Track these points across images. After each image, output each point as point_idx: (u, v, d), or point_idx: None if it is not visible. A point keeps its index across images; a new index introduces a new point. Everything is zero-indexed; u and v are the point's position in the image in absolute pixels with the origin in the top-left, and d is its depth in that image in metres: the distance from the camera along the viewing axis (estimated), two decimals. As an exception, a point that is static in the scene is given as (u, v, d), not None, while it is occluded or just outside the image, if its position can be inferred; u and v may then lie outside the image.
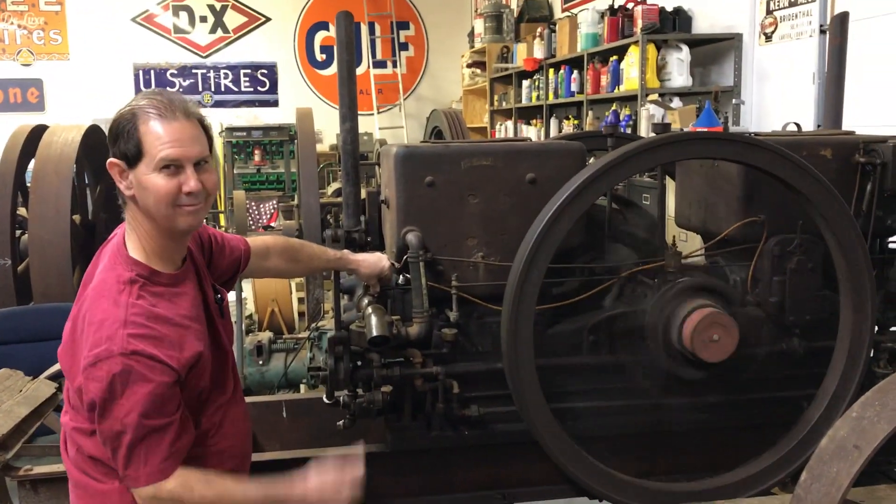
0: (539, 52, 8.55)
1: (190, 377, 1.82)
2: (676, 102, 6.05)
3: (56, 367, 2.75)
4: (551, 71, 8.31)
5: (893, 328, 2.70)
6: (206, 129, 1.88)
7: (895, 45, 4.33)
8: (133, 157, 1.78)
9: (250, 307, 5.50)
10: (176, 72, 12.28)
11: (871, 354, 2.50)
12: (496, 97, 10.24)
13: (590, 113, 7.45)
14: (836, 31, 3.12)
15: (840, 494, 1.86)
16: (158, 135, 1.77)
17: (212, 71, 12.42)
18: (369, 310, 2.35)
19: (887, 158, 2.52)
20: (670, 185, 3.12)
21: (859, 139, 2.63)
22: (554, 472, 2.48)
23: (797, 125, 3.08)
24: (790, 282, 2.52)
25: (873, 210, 2.57)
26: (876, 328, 2.47)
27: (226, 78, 12.45)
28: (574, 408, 2.51)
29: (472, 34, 11.24)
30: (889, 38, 4.36)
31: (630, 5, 6.66)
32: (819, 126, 4.74)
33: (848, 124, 3.14)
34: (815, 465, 1.97)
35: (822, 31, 4.89)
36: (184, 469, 1.78)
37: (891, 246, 2.70)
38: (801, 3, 5.21)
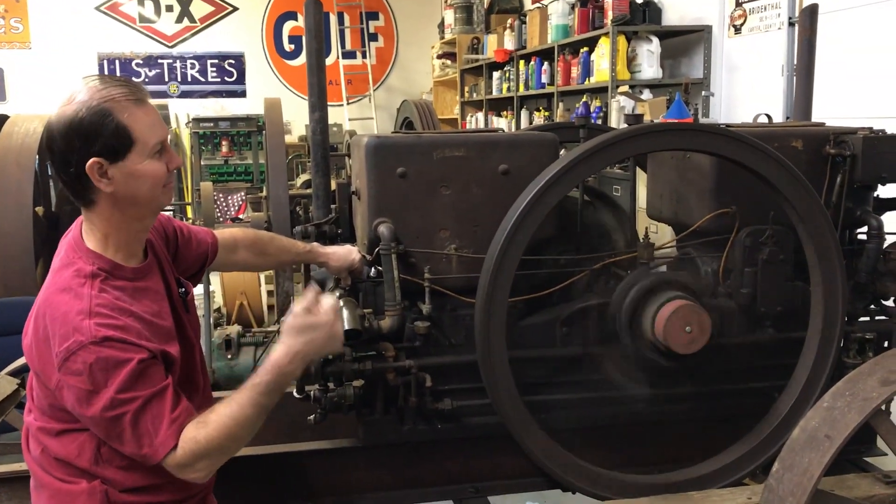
0: (509, 44, 8.53)
1: (166, 369, 1.78)
2: (647, 94, 6.06)
3: (19, 362, 2.69)
4: (522, 62, 8.30)
5: (863, 318, 2.72)
6: None
7: (863, 37, 4.37)
8: (122, 150, 1.73)
9: (218, 300, 5.44)
10: (141, 62, 12.08)
11: (842, 344, 2.51)
12: (467, 88, 10.21)
13: (560, 104, 7.45)
14: (806, 23, 3.13)
15: (812, 484, 1.87)
16: (146, 120, 1.75)
17: (178, 61, 12.24)
18: (340, 303, 2.32)
19: (857, 150, 2.54)
20: (641, 177, 3.12)
21: (829, 131, 2.64)
22: (527, 465, 2.47)
23: (768, 116, 3.09)
24: (761, 273, 2.53)
25: (843, 201, 2.58)
26: (846, 318, 2.48)
27: (192, 68, 12.28)
28: (547, 400, 2.50)
29: (442, 25, 11.19)
30: (857, 30, 4.40)
31: (600, -3, 6.67)
32: (788, 118, 4.78)
33: (817, 116, 3.16)
34: (787, 455, 1.97)
35: (791, 24, 4.92)
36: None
37: (860, 237, 2.71)
38: (770, -4, 5.26)
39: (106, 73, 11.84)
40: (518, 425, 2.32)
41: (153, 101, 1.85)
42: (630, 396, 2.55)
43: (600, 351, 2.51)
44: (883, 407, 1.94)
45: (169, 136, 1.85)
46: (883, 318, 2.72)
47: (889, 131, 2.61)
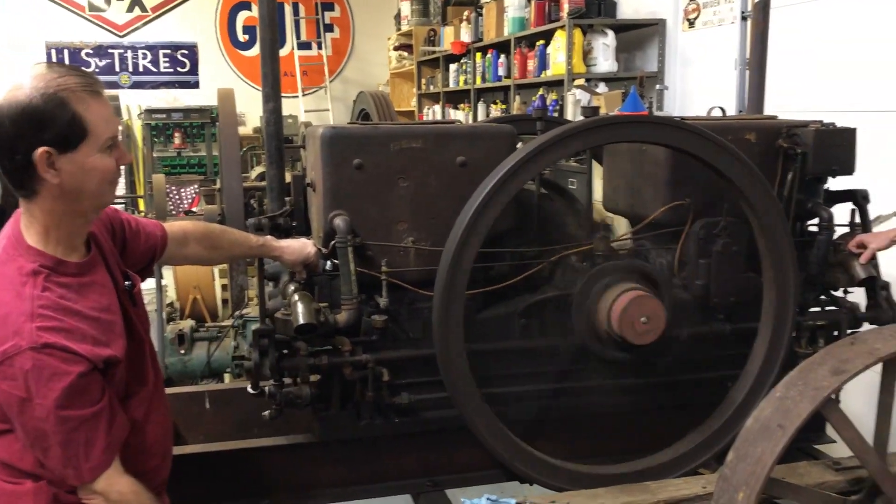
0: (466, 36, 8.51)
1: (109, 373, 1.74)
2: (602, 87, 6.09)
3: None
4: (479, 55, 8.29)
5: (814, 308, 2.77)
6: None
7: (815, 31, 4.45)
8: (74, 141, 1.67)
9: (171, 295, 5.34)
10: (91, 51, 11.79)
11: (794, 335, 2.55)
12: (424, 80, 10.17)
13: (517, 97, 7.46)
14: (758, 17, 3.18)
15: (765, 473, 1.89)
16: (102, 113, 1.71)
17: (129, 51, 11.97)
18: (295, 297, 2.29)
19: (808, 143, 2.58)
20: (597, 170, 3.13)
21: (782, 124, 2.68)
22: (485, 458, 2.47)
23: (722, 109, 3.13)
24: (715, 264, 2.56)
25: (795, 193, 2.62)
26: (797, 309, 2.52)
27: (144, 58, 12.02)
28: (506, 392, 2.50)
29: (398, 17, 11.12)
30: (808, 24, 4.47)
31: (556, -10, 6.68)
32: (741, 111, 4.85)
33: (769, 109, 3.21)
34: (741, 444, 2.00)
35: (744, 18, 4.98)
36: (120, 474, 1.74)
37: (811, 229, 2.76)
38: (723, -9, 5.32)
39: (55, 62, 11.55)
40: (476, 418, 2.31)
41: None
42: (587, 388, 2.57)
43: (558, 342, 2.51)
44: (833, 396, 1.98)
45: (120, 129, 1.79)
46: (833, 308, 2.77)
47: (839, 125, 2.65)
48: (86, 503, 1.75)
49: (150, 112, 10.21)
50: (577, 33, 6.16)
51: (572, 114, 5.95)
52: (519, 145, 2.56)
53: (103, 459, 1.70)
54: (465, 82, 8.71)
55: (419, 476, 2.57)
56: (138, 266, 2.07)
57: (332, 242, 2.33)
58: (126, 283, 1.93)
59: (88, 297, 1.74)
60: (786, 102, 4.20)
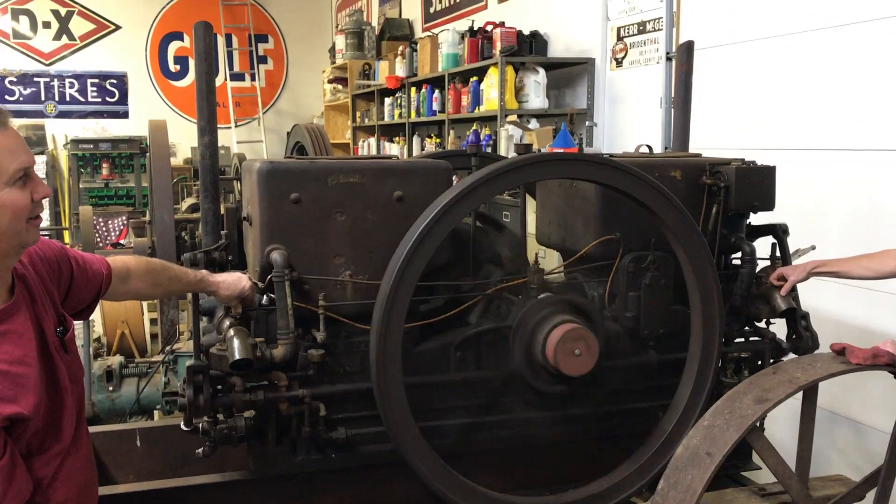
0: (401, 71, 8.59)
1: (15, 430, 1.64)
2: (534, 123, 6.22)
3: None
4: (413, 89, 8.37)
5: (738, 339, 2.87)
6: None
7: (736, 72, 4.64)
8: None
9: (98, 330, 5.21)
10: (15, 79, 11.49)
11: (720, 365, 2.64)
12: (358, 113, 10.20)
13: (451, 132, 7.55)
14: (683, 58, 3.30)
15: (694, 500, 1.95)
16: (5, 145, 1.62)
17: (56, 79, 11.71)
18: (231, 332, 2.26)
19: (731, 180, 2.69)
20: (531, 204, 3.20)
21: (706, 161, 2.79)
22: (421, 492, 2.47)
23: (649, 147, 3.24)
24: (644, 297, 2.64)
25: (719, 228, 2.73)
26: (723, 340, 2.61)
27: (71, 87, 11.78)
28: (442, 426, 2.51)
29: (332, 50, 11.16)
30: (732, 66, 4.66)
31: (489, 28, 6.81)
32: (667, 148, 5.01)
33: (694, 147, 3.33)
34: (671, 473, 2.05)
35: (669, 59, 5.17)
36: None
37: (734, 262, 2.86)
38: (649, 31, 5.50)
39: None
40: (413, 452, 2.32)
41: (27, 122, 1.74)
42: (523, 419, 2.60)
43: (493, 375, 2.54)
44: (758, 424, 2.05)
45: (45, 159, 1.70)
46: (756, 338, 2.87)
47: (760, 163, 2.78)
48: None
49: (76, 142, 9.98)
50: (510, 70, 6.29)
51: (505, 149, 6.05)
52: (455, 180, 2.61)
53: None
54: (400, 116, 8.78)
55: (356, 511, 2.56)
56: (82, 305, 2.00)
57: (269, 276, 2.32)
58: (58, 328, 1.84)
59: (1, 347, 1.65)
60: (710, 140, 4.38)
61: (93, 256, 2.07)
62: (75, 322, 2.02)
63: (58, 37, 11.72)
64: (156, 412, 4.21)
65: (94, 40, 11.88)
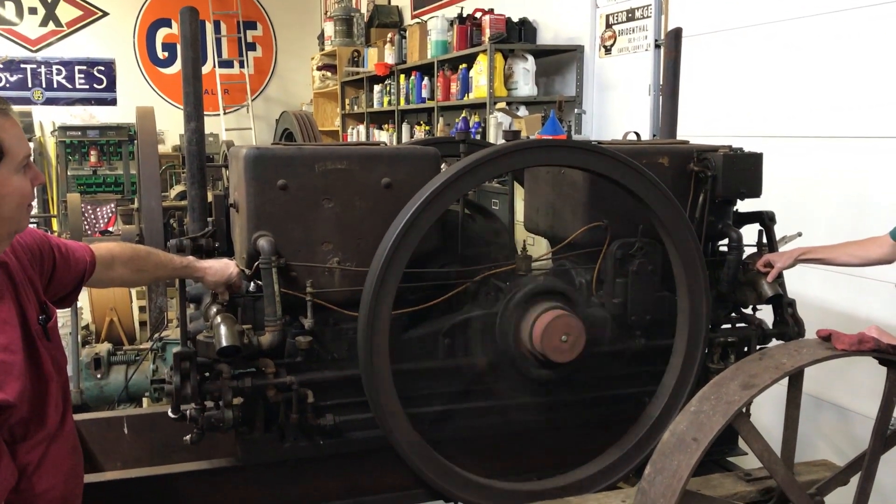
0: (390, 58, 8.56)
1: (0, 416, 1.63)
2: (523, 111, 6.21)
3: None
4: (402, 77, 8.35)
5: (725, 325, 2.88)
6: None
7: (725, 59, 4.64)
8: None
9: (86, 317, 5.18)
10: (2, 66, 11.39)
11: (706, 351, 2.65)
12: (347, 101, 10.17)
13: (441, 119, 7.53)
14: (671, 45, 3.30)
15: (680, 486, 1.96)
16: (14, 132, 1.64)
17: (43, 66, 11.61)
18: (218, 319, 2.26)
19: (718, 167, 2.69)
20: (519, 191, 3.20)
21: (693, 148, 2.79)
22: (409, 478, 2.48)
23: (637, 134, 3.24)
24: (632, 283, 2.64)
25: (706, 215, 2.73)
26: (710, 326, 2.62)
27: (59, 74, 11.68)
28: (431, 412, 2.52)
29: (321, 37, 11.10)
30: (719, 53, 4.67)
31: (478, 14, 6.79)
32: (655, 135, 5.01)
33: (682, 134, 3.33)
34: (658, 458, 2.06)
35: (657, 46, 5.16)
36: None
37: (721, 249, 2.87)
38: (638, 19, 5.50)
39: (-39, 77, 11.12)
40: (400, 438, 2.32)
41: (16, 108, 1.74)
42: (510, 405, 2.60)
43: (482, 361, 2.55)
44: (744, 409, 2.06)
45: (32, 147, 1.71)
46: (743, 325, 2.89)
47: (747, 149, 2.78)
48: None
49: (64, 129, 9.90)
50: (499, 58, 6.27)
51: (494, 136, 6.04)
52: (443, 167, 2.60)
53: None
54: (389, 103, 8.75)
55: (344, 498, 2.56)
56: (64, 293, 1.98)
57: (256, 263, 2.31)
58: (41, 316, 1.82)
59: None
60: (697, 127, 4.38)
61: (76, 243, 2.05)
62: (61, 310, 2.01)
63: (44, 23, 11.61)
64: (144, 399, 4.21)
65: (81, 27, 11.78)
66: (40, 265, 1.89)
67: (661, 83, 3.48)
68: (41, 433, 1.77)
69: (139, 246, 2.29)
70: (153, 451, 2.83)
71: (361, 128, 9.73)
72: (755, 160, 2.75)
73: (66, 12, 11.67)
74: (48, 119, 11.02)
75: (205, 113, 2.61)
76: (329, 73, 10.60)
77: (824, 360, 2.11)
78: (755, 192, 2.77)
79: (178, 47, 2.51)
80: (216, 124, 11.37)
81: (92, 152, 9.97)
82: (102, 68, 11.86)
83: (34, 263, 1.86)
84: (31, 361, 1.74)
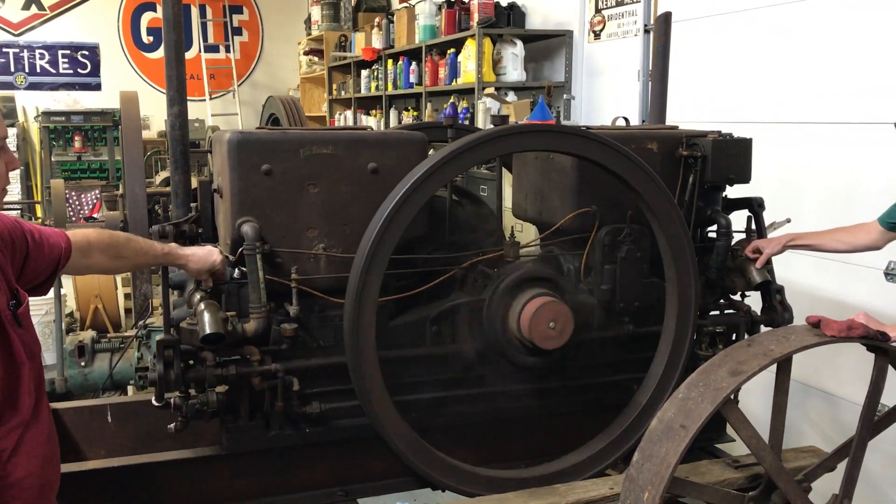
0: (377, 43, 8.49)
1: None
2: (511, 96, 6.18)
3: None
4: (390, 62, 8.29)
5: (713, 312, 2.87)
6: None
7: (714, 45, 4.62)
8: None
9: (71, 304, 5.14)
10: (-16, 50, 11.24)
11: (695, 337, 2.64)
12: (335, 86, 10.09)
13: (429, 104, 7.49)
14: (660, 30, 3.27)
15: (669, 472, 1.95)
16: None
17: (25, 50, 11.44)
18: (201, 306, 2.23)
19: (707, 152, 2.68)
20: (507, 177, 3.17)
21: (682, 134, 2.77)
22: (396, 465, 2.47)
23: (626, 119, 3.22)
24: (620, 270, 2.63)
25: (695, 201, 2.72)
26: (698, 312, 2.61)
27: (42, 58, 11.51)
28: (417, 399, 2.50)
29: (308, 21, 11.01)
30: (708, 38, 4.64)
31: (466, -1, 6.75)
32: (644, 121, 4.99)
33: (671, 119, 3.31)
34: (646, 445, 2.06)
35: (647, 31, 5.14)
36: None
37: (710, 235, 2.86)
38: (627, 3, 5.46)
39: (-58, 61, 10.97)
40: (387, 426, 2.31)
41: (-2, 93, 1.70)
42: (498, 393, 2.59)
43: (469, 349, 2.53)
44: (732, 396, 2.05)
45: (15, 132, 1.67)
46: (731, 311, 2.88)
47: (736, 135, 2.77)
48: None
49: (48, 114, 9.79)
50: (487, 42, 6.23)
51: (483, 122, 6.01)
52: (430, 152, 2.57)
53: None
54: (377, 88, 8.69)
55: (331, 486, 2.55)
56: (39, 280, 1.93)
57: (240, 250, 2.28)
58: (11, 302, 1.77)
59: None
60: (687, 113, 4.36)
61: (51, 230, 1.98)
62: (39, 297, 1.97)
63: (27, 6, 11.44)
64: (129, 387, 4.18)
65: (64, 10, 11.61)
66: (11, 251, 1.83)
67: (651, 68, 3.45)
68: (15, 419, 1.73)
69: (118, 233, 2.23)
70: (137, 439, 2.80)
71: (349, 113, 9.67)
72: (745, 146, 2.74)
73: (49, -5, 11.52)
74: (31, 104, 10.88)
75: (190, 98, 2.57)
76: (316, 58, 10.52)
77: (813, 346, 2.11)
78: (744, 177, 2.76)
79: (162, 31, 2.46)
80: (202, 110, 11.26)
81: (76, 138, 9.86)
82: (86, 53, 11.70)
83: (5, 249, 1.81)
84: (1, 347, 1.70)
